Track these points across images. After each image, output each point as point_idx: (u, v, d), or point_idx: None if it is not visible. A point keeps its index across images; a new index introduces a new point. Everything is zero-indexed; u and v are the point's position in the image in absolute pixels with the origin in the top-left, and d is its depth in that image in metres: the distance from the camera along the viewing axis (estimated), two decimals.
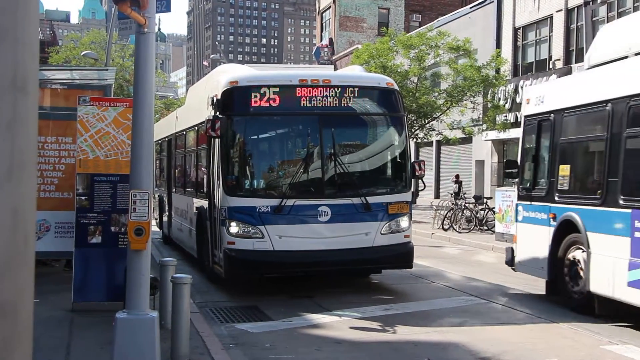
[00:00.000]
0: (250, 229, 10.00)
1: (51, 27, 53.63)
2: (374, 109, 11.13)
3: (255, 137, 11.31)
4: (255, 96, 10.16)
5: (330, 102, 10.50)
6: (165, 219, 18.12)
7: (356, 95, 10.67)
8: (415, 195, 11.31)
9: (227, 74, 11.25)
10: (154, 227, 18.87)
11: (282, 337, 8.66)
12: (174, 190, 16.66)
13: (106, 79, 12.99)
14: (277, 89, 10.27)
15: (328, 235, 10.12)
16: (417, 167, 10.79)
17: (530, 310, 9.88)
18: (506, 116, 29.14)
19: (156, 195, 20.27)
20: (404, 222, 10.72)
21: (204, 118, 11.39)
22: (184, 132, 14.94)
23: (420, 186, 11.54)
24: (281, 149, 11.63)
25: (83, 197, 9.49)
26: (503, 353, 7.79)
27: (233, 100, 10.39)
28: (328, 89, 10.48)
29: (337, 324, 9.29)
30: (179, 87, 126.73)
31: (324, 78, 10.78)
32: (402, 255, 10.67)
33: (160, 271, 8.47)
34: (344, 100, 10.58)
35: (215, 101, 10.34)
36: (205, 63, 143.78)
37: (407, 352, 8.00)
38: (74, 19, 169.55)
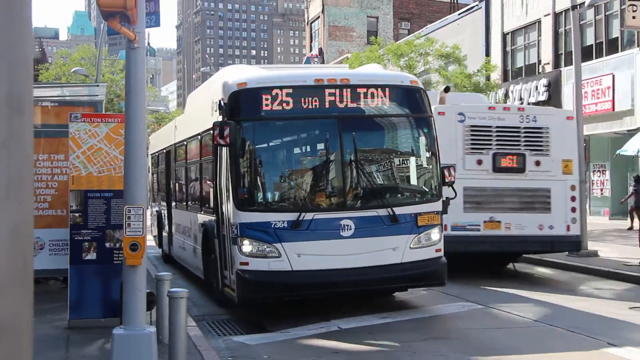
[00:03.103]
0: (266, 247, 9.06)
1: (40, 44, 54.24)
2: (398, 110, 10.02)
3: (268, 144, 10.22)
4: (267, 99, 9.20)
5: (349, 104, 9.55)
6: (165, 235, 17.00)
7: (378, 95, 9.62)
8: (446, 204, 10.14)
9: (233, 76, 10.19)
10: (152, 243, 18.53)
11: (280, 348, 8.64)
12: (174, 205, 15.49)
13: (97, 95, 12.91)
14: (291, 91, 9.28)
15: (352, 252, 9.15)
16: (447, 173, 9.83)
17: None
18: None
19: (154, 211, 19.20)
20: (435, 234, 9.78)
21: (208, 126, 10.47)
22: (185, 143, 13.82)
23: (451, 194, 10.16)
24: (297, 157, 10.45)
25: (77, 214, 9.44)
26: None
27: (242, 104, 9.38)
28: (346, 89, 9.51)
29: (335, 333, 9.26)
30: (169, 101, 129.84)
31: (342, 77, 9.80)
32: (433, 272, 9.77)
33: (156, 286, 8.45)
34: (365, 102, 9.61)
35: (222, 105, 9.38)
36: (194, 76, 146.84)
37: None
38: (63, 36, 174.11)
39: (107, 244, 9.28)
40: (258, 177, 9.63)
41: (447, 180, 10.01)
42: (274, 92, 9.13)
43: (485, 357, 8.25)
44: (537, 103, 26.91)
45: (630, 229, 20.99)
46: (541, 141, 12.99)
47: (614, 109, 24.41)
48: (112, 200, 9.20)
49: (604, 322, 9.90)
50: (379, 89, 9.59)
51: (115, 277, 8.56)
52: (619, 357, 7.94)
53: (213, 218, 10.40)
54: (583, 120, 17.07)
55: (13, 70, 1.73)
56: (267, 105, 9.15)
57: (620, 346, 8.34)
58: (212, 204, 10.65)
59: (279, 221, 8.98)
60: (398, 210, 9.34)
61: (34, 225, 8.30)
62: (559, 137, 13.08)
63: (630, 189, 21.05)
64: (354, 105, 9.52)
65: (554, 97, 26.83)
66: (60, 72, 40.46)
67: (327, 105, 9.43)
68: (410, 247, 9.39)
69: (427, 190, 10.07)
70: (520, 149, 12.82)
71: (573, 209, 13.07)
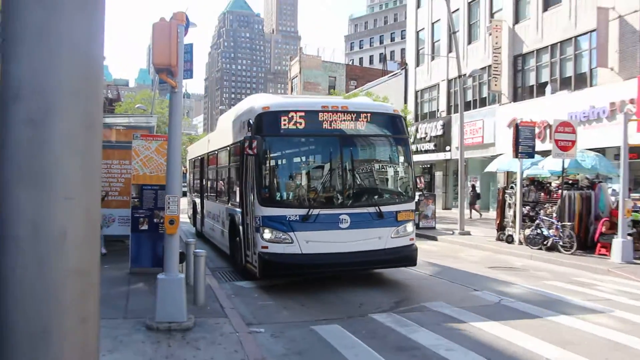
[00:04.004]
0: (281, 235, 9.47)
1: (117, 89, 63.63)
2: (384, 132, 10.60)
3: (285, 155, 10.70)
4: (285, 119, 9.70)
5: (347, 125, 10.07)
6: (198, 218, 18.17)
7: (369, 120, 10.26)
8: (417, 204, 10.97)
9: (259, 101, 10.60)
10: (186, 220, 20.47)
11: (265, 289, 9.85)
12: (206, 197, 16.33)
13: (150, 122, 14.13)
14: (303, 114, 9.83)
15: (347, 240, 9.66)
16: (418, 181, 10.75)
17: None
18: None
19: (190, 200, 20.98)
20: (409, 227, 10.39)
21: (237, 140, 11.20)
22: (216, 152, 14.46)
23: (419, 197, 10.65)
24: (307, 165, 10.80)
25: (136, 200, 10.48)
26: None
27: (266, 123, 9.74)
28: (346, 114, 10.07)
29: (302, 282, 10.25)
30: (198, 128, 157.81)
31: (342, 105, 10.29)
32: (408, 256, 10.34)
33: (186, 248, 9.51)
34: (359, 124, 10.15)
35: (250, 124, 9.78)
36: (215, 112, 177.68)
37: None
38: (131, 84, 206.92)
39: (155, 220, 10.35)
40: (277, 181, 10.14)
41: (418, 186, 11.06)
42: (290, 114, 9.73)
43: (404, 292, 9.83)
44: (436, 137, 32.61)
45: (470, 218, 25.12)
46: None
47: (483, 142, 28.22)
48: (159, 191, 10.19)
49: (472, 276, 11.65)
50: (370, 115, 10.31)
51: (159, 241, 9.55)
52: (479, 297, 9.49)
53: (239, 210, 10.80)
54: (464, 149, 21.33)
55: (89, 104, 1.88)
56: (284, 124, 9.70)
57: (480, 290, 10.01)
58: (238, 199, 10.98)
59: (292, 215, 9.51)
60: (383, 209, 10.00)
61: (106, 206, 12.03)
62: None
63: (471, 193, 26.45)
64: (351, 126, 10.11)
65: (446, 133, 31.34)
66: (128, 107, 47.71)
67: (330, 126, 9.97)
68: (391, 237, 10.03)
69: (404, 193, 10.66)
70: None
71: None
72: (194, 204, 19.33)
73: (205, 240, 16.50)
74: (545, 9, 24.86)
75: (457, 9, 30.82)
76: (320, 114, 10.00)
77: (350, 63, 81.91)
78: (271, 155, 9.96)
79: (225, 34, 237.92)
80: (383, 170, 11.05)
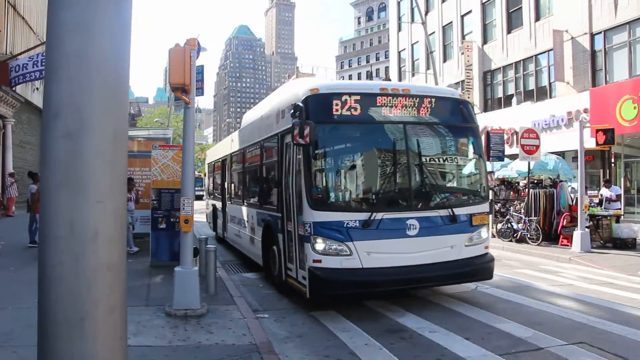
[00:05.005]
0: (338, 245, 6.96)
1: (138, 106, 67.52)
2: (451, 120, 8.03)
3: (340, 146, 7.85)
4: (337, 104, 7.25)
5: (411, 112, 7.66)
6: (219, 223, 15.15)
7: (434, 105, 7.80)
8: (492, 205, 7.81)
9: (303, 85, 8.02)
10: (200, 219, 18.99)
11: (266, 279, 9.58)
12: (229, 201, 13.46)
13: (167, 134, 14.32)
14: (358, 97, 7.36)
15: (416, 250, 7.22)
16: (489, 178, 7.81)
17: None
18: None
19: (209, 204, 17.82)
20: (484, 233, 7.94)
21: (271, 133, 8.98)
22: (243, 150, 11.70)
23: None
24: (366, 159, 7.88)
25: (155, 202, 10.41)
26: None
27: (315, 108, 7.24)
28: (408, 98, 7.66)
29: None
30: (208, 138, 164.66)
31: (403, 88, 7.83)
32: (484, 267, 7.77)
33: (199, 244, 9.38)
34: (423, 110, 7.74)
35: (300, 107, 7.21)
36: (223, 125, 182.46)
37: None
38: (150, 101, 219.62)
39: (172, 219, 10.28)
40: (331, 178, 7.62)
41: (489, 184, 8.17)
42: (344, 97, 7.31)
43: None
44: None
45: None
46: None
47: None
48: (175, 194, 10.08)
49: None
50: (435, 100, 7.87)
51: (176, 238, 9.40)
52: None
53: (276, 214, 8.40)
54: None
55: (117, 119, 1.93)
56: (337, 109, 7.27)
57: None
58: (275, 202, 8.59)
59: (351, 220, 7.00)
60: (456, 211, 7.56)
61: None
62: None
63: None
64: (416, 113, 7.71)
65: None
66: (148, 121, 50.19)
67: (392, 112, 7.58)
68: (465, 245, 7.60)
69: (478, 192, 8.15)
70: None
71: None
72: (214, 208, 16.23)
73: (228, 246, 14.24)
74: (509, 32, 25.09)
75: (433, 32, 30.93)
76: (378, 97, 7.55)
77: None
78: (323, 146, 7.29)
79: (231, 56, 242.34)
80: (453, 165, 8.33)
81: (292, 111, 7.36)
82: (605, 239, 14.39)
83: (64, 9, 1.86)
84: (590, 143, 15.74)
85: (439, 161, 8.11)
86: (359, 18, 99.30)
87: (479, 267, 7.72)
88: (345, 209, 7.24)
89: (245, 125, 12.54)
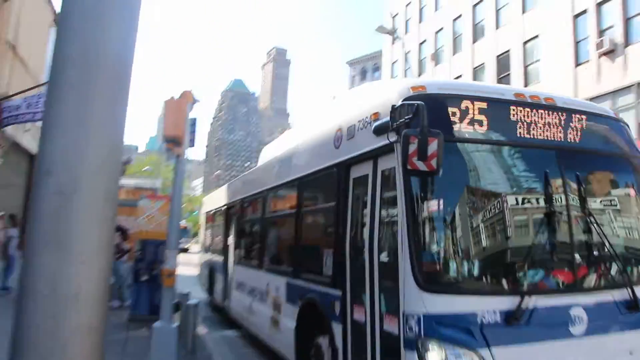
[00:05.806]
0: (466, 354, 3.89)
1: (128, 154, 68.15)
2: (615, 148, 5.23)
3: (463, 182, 4.42)
4: (454, 113, 4.34)
5: (562, 133, 4.80)
6: (219, 288, 11.89)
7: (587, 125, 4.96)
8: None
9: (396, 83, 5.00)
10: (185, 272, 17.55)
11: (247, 339, 9.44)
12: (236, 261, 10.54)
13: (155, 184, 14.56)
14: (485, 105, 4.43)
15: None
16: None
17: None
18: None
19: (204, 262, 14.81)
20: None
21: (323, 164, 6.05)
22: (264, 194, 8.71)
23: None
24: (504, 205, 4.44)
25: (138, 252, 10.33)
26: None
27: (422, 116, 4.01)
28: (558, 112, 4.82)
29: None
30: (196, 189, 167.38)
31: (546, 97, 4.92)
32: None
33: (181, 298, 8.63)
34: (575, 131, 4.87)
35: (420, 107, 4.03)
36: (212, 177, 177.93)
37: None
38: (142, 148, 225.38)
39: (154, 272, 10.02)
40: (457, 236, 4.30)
41: None
42: (464, 104, 4.39)
43: None
44: None
45: None
46: None
47: None
48: (160, 246, 9.75)
49: None
50: (591, 118, 5.06)
51: (158, 291, 8.92)
52: None
53: (331, 291, 5.46)
54: None
55: (110, 181, 1.94)
56: (454, 121, 4.35)
57: None
58: (328, 270, 5.64)
59: (488, 312, 4.02)
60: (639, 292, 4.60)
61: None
62: None
63: None
64: (568, 135, 4.85)
65: None
66: (137, 170, 50.81)
67: (534, 133, 4.67)
68: None
69: None
70: None
71: None
72: (212, 267, 13.10)
73: (223, 318, 11.58)
74: None
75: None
76: (512, 107, 4.64)
77: None
78: (443, 181, 4.19)
79: (225, 108, 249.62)
80: (632, 218, 5.18)
81: (393, 118, 4.37)
82: None
83: (66, 69, 1.92)
84: None
85: (612, 213, 5.05)
86: (354, 77, 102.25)
87: None
88: (479, 290, 4.23)
89: (267, 160, 9.37)
